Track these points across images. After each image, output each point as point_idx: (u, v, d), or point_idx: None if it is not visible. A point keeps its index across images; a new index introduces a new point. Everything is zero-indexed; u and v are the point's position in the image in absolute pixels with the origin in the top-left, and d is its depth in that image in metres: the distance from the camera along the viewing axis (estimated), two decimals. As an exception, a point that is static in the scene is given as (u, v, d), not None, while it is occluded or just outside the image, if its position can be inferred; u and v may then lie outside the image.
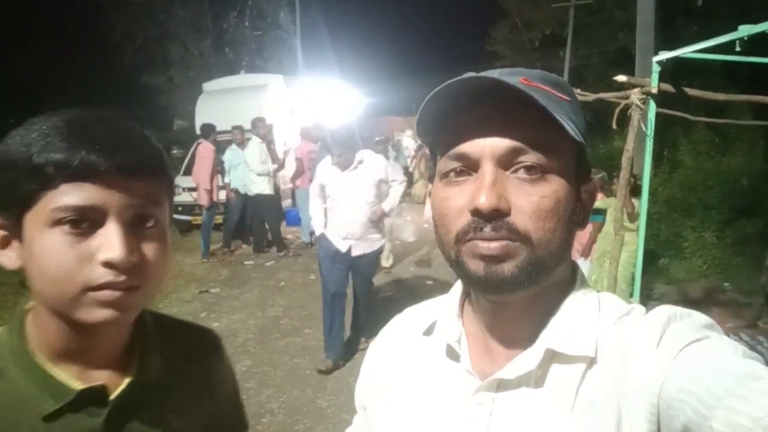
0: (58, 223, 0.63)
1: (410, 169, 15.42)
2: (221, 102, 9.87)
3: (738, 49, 2.61)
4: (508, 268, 0.59)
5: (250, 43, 20.29)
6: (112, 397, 0.72)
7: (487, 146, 0.60)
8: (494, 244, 0.59)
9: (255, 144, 7.48)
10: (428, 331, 0.77)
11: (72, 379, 0.70)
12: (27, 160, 0.62)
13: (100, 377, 0.72)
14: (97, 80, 17.86)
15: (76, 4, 17.78)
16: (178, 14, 18.75)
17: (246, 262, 7.86)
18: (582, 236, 5.08)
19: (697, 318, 0.59)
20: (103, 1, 17.43)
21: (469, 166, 0.62)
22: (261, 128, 7.59)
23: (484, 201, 0.58)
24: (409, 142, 18.69)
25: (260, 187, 7.59)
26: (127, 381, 0.74)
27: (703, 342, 0.55)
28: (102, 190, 0.63)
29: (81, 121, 0.65)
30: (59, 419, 0.68)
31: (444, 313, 0.76)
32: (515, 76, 0.61)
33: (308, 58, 19.80)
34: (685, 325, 0.58)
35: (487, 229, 0.59)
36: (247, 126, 7.69)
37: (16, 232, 0.66)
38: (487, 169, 0.60)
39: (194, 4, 19.08)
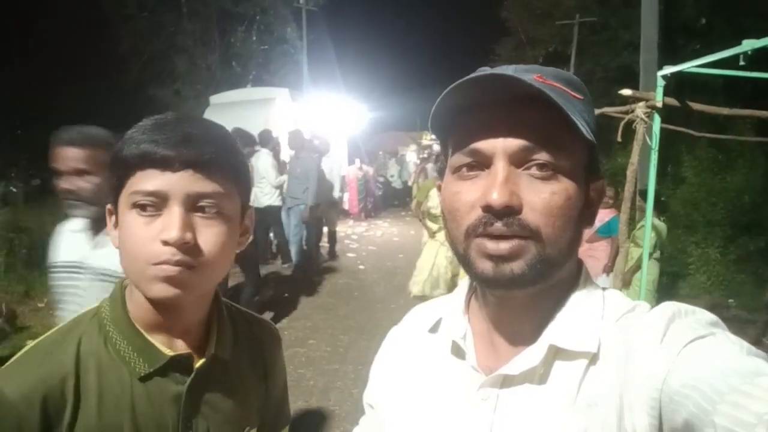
0: (134, 206, 0.74)
1: (409, 183, 15.48)
2: (228, 115, 9.89)
3: (742, 63, 2.64)
4: (517, 266, 0.60)
5: (257, 57, 20.46)
6: (196, 366, 0.82)
7: (500, 144, 0.60)
8: (503, 245, 0.59)
9: (267, 156, 7.47)
10: (434, 329, 0.78)
11: (162, 346, 0.81)
12: (118, 153, 0.76)
13: (184, 348, 0.83)
14: (104, 93, 17.98)
15: (83, 18, 17.99)
16: (185, 28, 18.95)
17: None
18: (598, 251, 5.05)
19: (702, 315, 0.60)
20: (110, 14, 17.65)
21: (482, 162, 0.62)
22: (269, 141, 7.61)
23: (497, 197, 0.58)
24: (412, 156, 18.77)
25: (272, 198, 7.57)
26: (209, 354, 0.84)
27: (708, 339, 0.54)
28: (167, 178, 0.73)
29: (164, 121, 0.76)
30: (150, 381, 0.79)
31: (449, 311, 0.76)
32: (530, 73, 0.61)
33: (314, 72, 20.04)
34: (689, 321, 0.58)
35: (498, 225, 0.59)
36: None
37: (117, 215, 0.79)
38: (500, 166, 0.60)
39: (202, 18, 19.28)
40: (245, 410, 0.91)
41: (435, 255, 5.70)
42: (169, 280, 0.73)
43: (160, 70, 18.78)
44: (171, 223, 0.72)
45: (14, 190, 9.20)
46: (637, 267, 4.66)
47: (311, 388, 4.21)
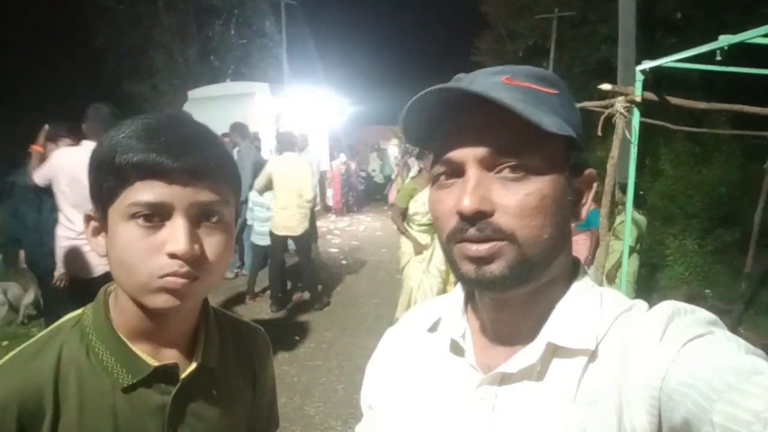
0: (133, 216, 0.71)
1: (392, 177, 15.48)
2: (207, 110, 9.80)
3: (718, 58, 2.68)
4: (497, 267, 0.61)
5: (235, 51, 20.24)
6: (182, 376, 0.80)
7: (470, 151, 0.62)
8: (482, 247, 0.61)
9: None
10: (433, 328, 0.78)
11: (147, 356, 0.79)
12: (111, 161, 0.71)
13: (170, 357, 0.81)
14: (80, 87, 17.64)
15: (59, 11, 17.62)
16: (163, 22, 18.66)
17: (234, 271, 7.80)
18: (579, 245, 5.10)
19: (701, 314, 0.60)
20: (87, 8, 17.32)
21: (456, 170, 0.64)
22: (244, 134, 7.37)
23: (467, 204, 0.60)
24: (394, 150, 18.75)
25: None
26: (194, 363, 0.82)
27: (707, 337, 0.55)
28: (171, 189, 0.71)
29: (157, 126, 0.73)
30: (134, 392, 0.77)
31: (448, 310, 0.77)
32: (499, 75, 0.63)
33: (294, 66, 19.90)
34: (688, 320, 0.58)
35: (472, 231, 0.61)
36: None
37: (103, 224, 0.75)
38: (471, 172, 0.62)
39: (179, 11, 19.00)
40: (233, 419, 0.89)
41: (421, 279, 4.56)
42: (174, 292, 0.71)
43: (138, 65, 18.48)
44: (177, 235, 0.70)
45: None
46: (621, 262, 4.69)
47: (295, 384, 4.19)
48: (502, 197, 0.61)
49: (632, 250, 4.92)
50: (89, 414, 0.75)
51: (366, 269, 8.02)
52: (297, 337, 5.14)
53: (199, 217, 0.74)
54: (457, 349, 0.72)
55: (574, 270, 0.70)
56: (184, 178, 0.71)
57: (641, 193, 5.03)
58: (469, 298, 0.76)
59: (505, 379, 0.65)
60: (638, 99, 3.05)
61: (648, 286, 7.11)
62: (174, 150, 0.70)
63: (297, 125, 9.17)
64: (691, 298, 6.70)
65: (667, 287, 7.24)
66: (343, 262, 8.54)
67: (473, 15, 21.57)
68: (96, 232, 0.77)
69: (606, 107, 3.17)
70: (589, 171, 0.69)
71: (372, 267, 8.13)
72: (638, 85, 3.09)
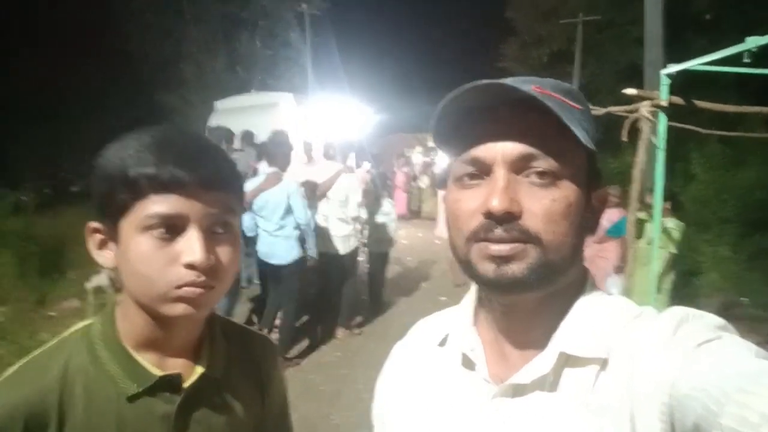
0: (148, 228, 0.72)
1: (421, 185, 15.43)
2: (233, 120, 9.93)
3: (746, 60, 2.62)
4: (518, 268, 0.61)
5: (261, 62, 20.52)
6: (186, 385, 0.80)
7: (500, 151, 0.62)
8: (505, 247, 0.61)
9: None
10: (443, 343, 0.78)
11: (152, 366, 0.80)
12: (123, 173, 0.71)
13: (175, 367, 0.82)
14: (111, 97, 18.15)
15: (92, 23, 18.14)
16: (191, 34, 19.06)
17: (255, 280, 7.86)
18: (608, 252, 4.99)
19: (710, 319, 0.60)
20: (118, 20, 17.82)
21: (482, 170, 0.64)
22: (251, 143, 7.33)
23: (497, 204, 0.60)
24: (418, 158, 18.73)
25: None
26: (199, 372, 0.82)
27: (716, 342, 0.55)
28: (186, 201, 0.73)
29: (168, 138, 0.74)
30: (139, 401, 0.78)
31: (457, 324, 0.77)
32: (528, 84, 0.62)
33: (319, 76, 20.02)
34: (697, 325, 0.58)
35: (499, 231, 0.61)
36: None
37: (112, 235, 0.76)
38: (500, 173, 0.62)
39: (207, 24, 19.38)
40: (240, 428, 0.89)
41: None
42: (191, 301, 0.74)
43: (167, 75, 18.88)
44: (193, 246, 0.72)
45: (25, 198, 9.26)
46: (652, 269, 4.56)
47: (321, 393, 4.21)
48: (530, 201, 0.61)
49: (673, 258, 4.80)
50: (95, 423, 0.76)
51: (392, 278, 7.99)
52: (324, 347, 5.15)
53: (211, 227, 0.76)
54: (468, 363, 0.72)
55: (583, 280, 0.70)
56: (199, 190, 0.73)
57: (678, 198, 4.92)
58: (478, 311, 0.76)
59: (518, 391, 0.65)
60: (664, 103, 2.98)
61: (681, 295, 6.92)
62: (187, 162, 0.73)
63: (322, 134, 9.21)
64: (727, 306, 6.49)
65: (701, 295, 7.03)
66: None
67: (498, 22, 21.45)
68: (101, 245, 0.79)
69: (631, 112, 3.11)
70: (603, 189, 0.70)
71: (398, 276, 8.11)
72: (664, 89, 3.03)
